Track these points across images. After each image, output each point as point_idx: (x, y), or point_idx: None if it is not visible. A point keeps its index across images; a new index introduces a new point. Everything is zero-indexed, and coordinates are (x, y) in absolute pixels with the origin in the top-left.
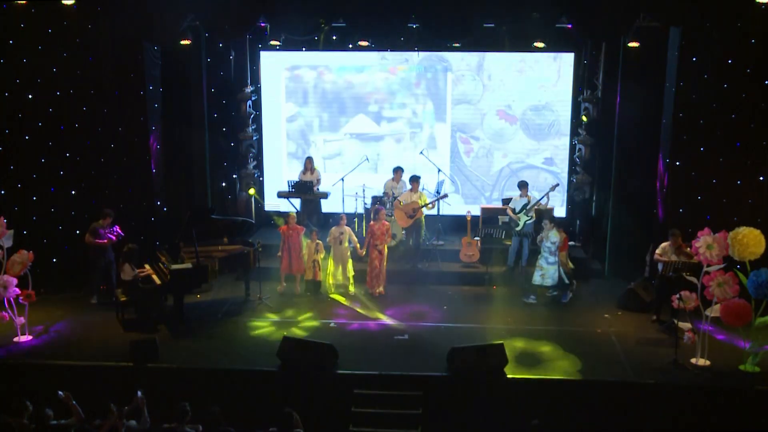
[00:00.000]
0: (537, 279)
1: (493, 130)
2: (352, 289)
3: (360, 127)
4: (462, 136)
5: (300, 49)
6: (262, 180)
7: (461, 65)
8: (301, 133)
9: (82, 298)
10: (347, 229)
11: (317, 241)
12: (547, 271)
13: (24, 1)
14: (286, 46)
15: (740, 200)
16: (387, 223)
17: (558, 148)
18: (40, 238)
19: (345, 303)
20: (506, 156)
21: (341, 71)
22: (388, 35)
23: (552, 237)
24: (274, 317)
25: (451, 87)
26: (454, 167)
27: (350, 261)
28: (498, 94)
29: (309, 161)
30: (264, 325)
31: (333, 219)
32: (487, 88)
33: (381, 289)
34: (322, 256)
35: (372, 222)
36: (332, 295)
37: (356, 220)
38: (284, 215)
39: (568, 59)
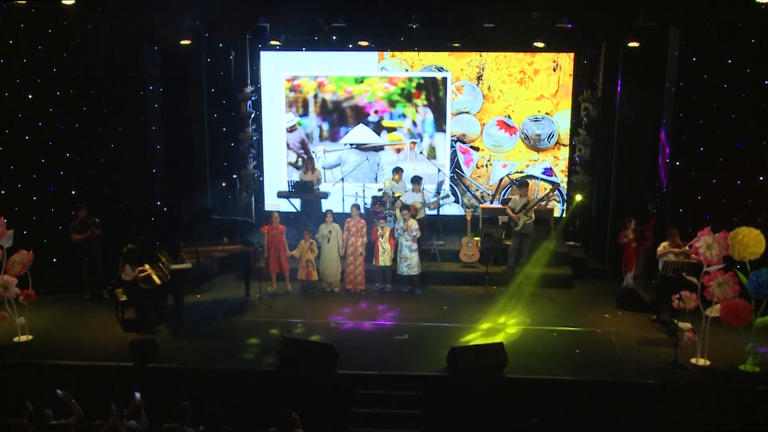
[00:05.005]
0: (404, 270)
1: (493, 140)
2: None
3: (360, 138)
4: (462, 146)
5: (300, 49)
6: (262, 180)
7: (461, 76)
8: (301, 143)
9: (82, 298)
10: (335, 226)
11: (311, 240)
12: (412, 260)
13: (24, 1)
14: (286, 46)
15: (740, 200)
16: (363, 220)
17: (558, 158)
18: (40, 238)
19: (344, 302)
20: (506, 166)
21: (341, 82)
22: (388, 35)
23: (413, 225)
24: (274, 317)
25: (451, 97)
26: (453, 177)
27: (339, 258)
28: (498, 104)
29: (309, 161)
30: (264, 325)
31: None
32: (487, 99)
33: (361, 287)
34: (315, 255)
35: (348, 219)
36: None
37: None
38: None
39: (568, 70)
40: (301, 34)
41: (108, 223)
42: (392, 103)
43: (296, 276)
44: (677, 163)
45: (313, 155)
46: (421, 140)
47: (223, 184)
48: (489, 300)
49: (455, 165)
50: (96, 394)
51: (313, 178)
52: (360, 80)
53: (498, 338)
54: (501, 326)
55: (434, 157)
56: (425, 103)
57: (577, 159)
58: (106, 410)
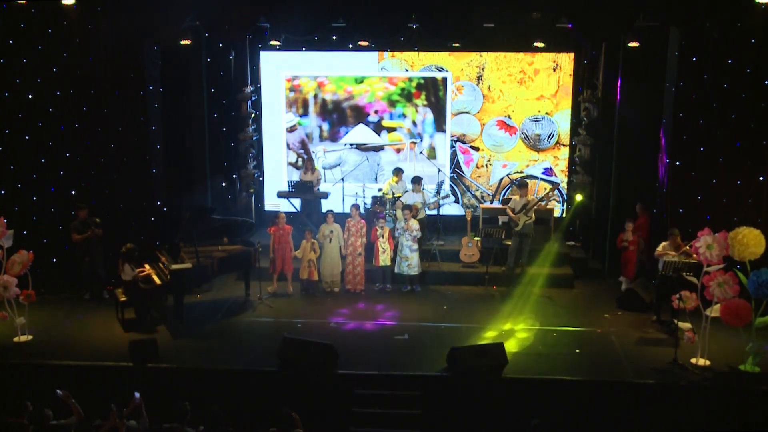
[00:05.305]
0: (404, 269)
1: (493, 140)
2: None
3: (360, 138)
4: (462, 146)
5: (300, 49)
6: (262, 180)
7: (461, 76)
8: (301, 143)
9: (82, 298)
10: (336, 226)
11: (312, 240)
12: (412, 260)
13: (24, 1)
14: (286, 46)
15: (740, 200)
16: (362, 220)
17: (558, 158)
18: (40, 238)
19: (344, 302)
20: (506, 166)
21: (341, 82)
22: (388, 35)
23: (414, 225)
24: (273, 317)
25: (451, 97)
26: (453, 177)
27: (340, 258)
28: (498, 104)
29: (309, 161)
30: (264, 325)
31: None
32: (487, 99)
33: (361, 287)
34: (317, 255)
35: (348, 219)
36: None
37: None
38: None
39: (568, 70)
40: (301, 34)
41: (108, 223)
42: (392, 103)
43: (298, 276)
44: (677, 163)
45: (313, 155)
46: (421, 140)
47: (223, 184)
48: (489, 300)
49: (455, 165)
50: (96, 394)
51: (313, 178)
52: (360, 80)
53: (498, 338)
54: (501, 326)
55: (434, 157)
56: (425, 103)
57: (577, 159)
58: (106, 410)
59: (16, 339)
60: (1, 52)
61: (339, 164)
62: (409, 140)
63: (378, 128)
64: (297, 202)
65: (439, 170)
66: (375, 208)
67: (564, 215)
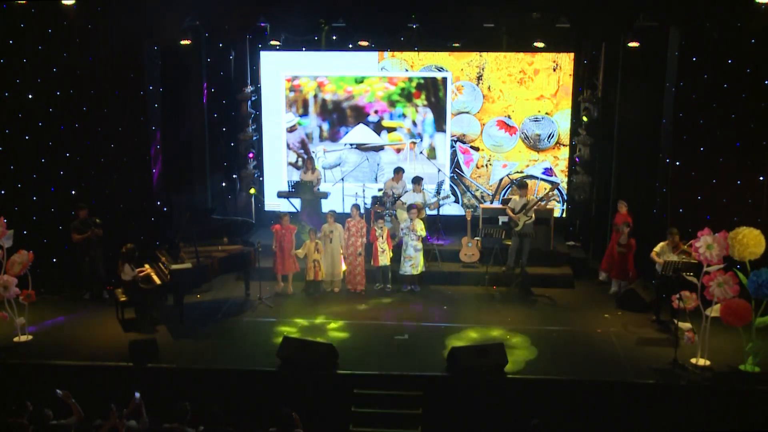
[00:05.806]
0: (407, 269)
1: (493, 140)
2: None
3: (360, 138)
4: (462, 146)
5: (300, 49)
6: (262, 180)
7: (461, 76)
8: (301, 143)
9: (82, 298)
10: (338, 226)
11: (316, 240)
12: (416, 260)
13: (24, 1)
14: (286, 46)
15: (740, 200)
16: (363, 220)
17: (558, 158)
18: (40, 238)
19: (344, 302)
20: (506, 166)
21: (341, 82)
22: (388, 35)
23: (418, 225)
24: (274, 317)
25: (451, 97)
26: (453, 177)
27: (342, 258)
28: (498, 104)
29: (309, 161)
30: (264, 325)
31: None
32: (487, 99)
33: (361, 287)
34: (321, 255)
35: (348, 219)
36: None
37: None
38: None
39: (568, 70)
40: (301, 34)
41: (108, 223)
42: (392, 103)
43: (304, 276)
44: (677, 163)
45: (313, 155)
46: (421, 140)
47: (223, 184)
48: (489, 300)
49: (455, 165)
50: (96, 394)
51: (313, 178)
52: (360, 80)
53: (498, 338)
54: (501, 326)
55: (434, 157)
56: (425, 103)
57: (577, 159)
58: (106, 410)
59: (16, 339)
60: (1, 52)
61: (339, 164)
62: (409, 140)
63: (378, 128)
64: (297, 202)
65: (439, 170)
66: (375, 208)
67: (564, 215)
